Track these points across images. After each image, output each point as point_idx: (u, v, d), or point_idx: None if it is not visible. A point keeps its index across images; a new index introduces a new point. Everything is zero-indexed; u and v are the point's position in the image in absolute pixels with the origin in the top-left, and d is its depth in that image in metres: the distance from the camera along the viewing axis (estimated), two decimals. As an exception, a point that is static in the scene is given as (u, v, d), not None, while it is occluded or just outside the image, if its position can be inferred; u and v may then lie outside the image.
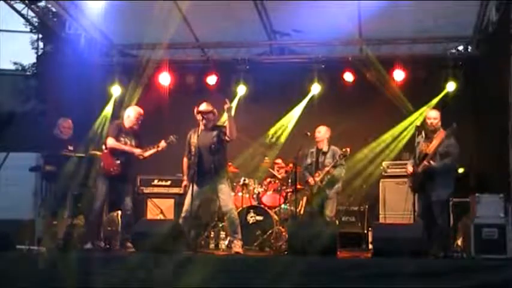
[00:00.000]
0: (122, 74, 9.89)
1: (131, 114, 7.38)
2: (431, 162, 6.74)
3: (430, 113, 7.11)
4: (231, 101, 9.67)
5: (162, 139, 7.36)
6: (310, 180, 7.83)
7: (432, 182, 6.78)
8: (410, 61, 9.29)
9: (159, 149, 7.35)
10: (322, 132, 7.95)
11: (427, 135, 6.98)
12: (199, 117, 7.00)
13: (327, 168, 7.76)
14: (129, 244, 6.97)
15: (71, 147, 7.65)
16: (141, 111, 7.44)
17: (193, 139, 7.02)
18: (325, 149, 7.92)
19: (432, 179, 6.78)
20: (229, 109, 6.90)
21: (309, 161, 7.98)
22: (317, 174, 7.81)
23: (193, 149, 6.97)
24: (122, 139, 7.30)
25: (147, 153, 7.35)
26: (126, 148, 7.26)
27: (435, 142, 6.83)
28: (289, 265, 5.63)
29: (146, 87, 9.96)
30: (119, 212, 7.91)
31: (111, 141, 7.27)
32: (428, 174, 6.80)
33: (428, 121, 7.01)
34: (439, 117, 6.97)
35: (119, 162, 7.23)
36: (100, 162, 7.29)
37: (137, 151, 7.28)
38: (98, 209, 7.25)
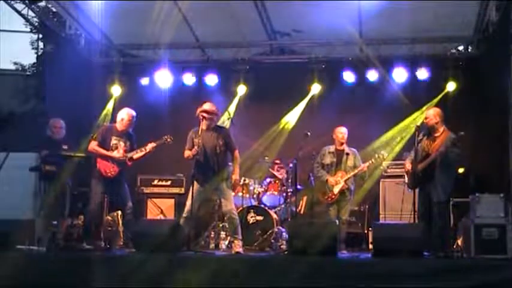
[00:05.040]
0: (122, 74, 9.89)
1: (124, 117, 7.38)
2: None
3: (427, 113, 7.12)
4: (231, 101, 9.78)
5: (152, 141, 7.36)
6: (331, 179, 7.72)
7: (432, 182, 6.77)
8: (410, 61, 9.29)
9: (148, 151, 7.34)
10: (346, 133, 7.84)
11: (430, 134, 6.96)
12: (204, 115, 6.99)
13: (359, 168, 7.73)
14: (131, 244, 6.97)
15: (65, 147, 7.63)
16: (134, 113, 7.42)
17: (196, 139, 6.99)
18: (347, 150, 7.85)
19: (432, 178, 6.77)
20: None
21: (328, 160, 7.83)
22: (340, 174, 7.73)
23: (196, 149, 6.96)
24: (113, 142, 7.29)
25: (135, 156, 7.33)
26: (106, 153, 7.22)
27: (438, 142, 6.82)
28: (289, 265, 5.64)
29: (146, 87, 9.99)
30: (119, 212, 7.91)
31: (92, 145, 7.29)
32: (428, 174, 6.79)
33: (425, 120, 7.02)
34: (434, 115, 6.93)
35: (115, 165, 7.22)
36: (96, 163, 7.28)
37: (117, 155, 7.23)
38: (93, 210, 7.23)
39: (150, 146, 7.34)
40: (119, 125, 7.39)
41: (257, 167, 9.14)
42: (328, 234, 6.16)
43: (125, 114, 7.40)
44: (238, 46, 9.89)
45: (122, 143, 7.32)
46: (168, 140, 7.38)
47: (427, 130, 7.01)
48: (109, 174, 7.19)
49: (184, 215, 6.97)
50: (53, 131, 7.77)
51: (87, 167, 7.53)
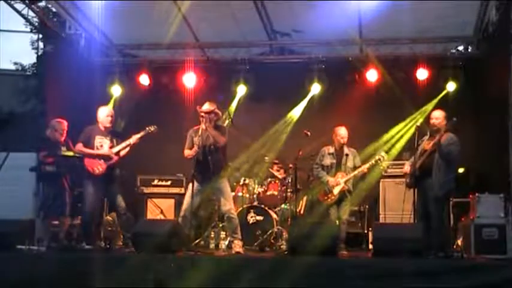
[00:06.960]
0: (121, 74, 9.89)
1: (103, 114, 7.38)
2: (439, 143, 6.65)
3: (433, 113, 7.05)
4: (231, 101, 9.78)
5: (136, 133, 7.35)
6: (331, 180, 7.66)
7: (429, 179, 6.73)
8: (410, 61, 9.30)
9: (133, 142, 7.30)
10: (346, 134, 7.77)
11: (431, 135, 6.95)
12: (203, 116, 6.97)
13: (360, 170, 7.67)
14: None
15: (63, 148, 7.62)
16: (111, 110, 7.48)
17: (196, 138, 7.00)
18: (346, 151, 7.79)
19: (429, 175, 6.73)
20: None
21: (327, 162, 7.76)
22: (340, 175, 7.67)
23: (196, 148, 6.96)
24: (97, 141, 7.27)
25: (121, 150, 7.29)
26: (91, 152, 7.21)
27: (437, 138, 6.80)
28: (289, 265, 5.64)
29: (146, 87, 9.98)
30: (118, 212, 7.89)
31: (78, 146, 7.28)
32: (425, 171, 6.75)
33: (431, 121, 6.97)
34: (442, 117, 6.90)
35: (102, 161, 7.21)
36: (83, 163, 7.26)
37: (105, 152, 7.22)
38: (88, 210, 7.19)
39: (134, 137, 7.32)
40: (101, 124, 7.38)
41: (257, 167, 9.13)
42: (328, 234, 6.17)
43: (104, 112, 7.41)
44: (238, 46, 9.89)
45: (107, 141, 7.31)
46: (152, 129, 7.35)
47: (429, 131, 6.96)
48: (96, 171, 7.16)
49: (181, 213, 6.97)
50: (60, 132, 7.70)
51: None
